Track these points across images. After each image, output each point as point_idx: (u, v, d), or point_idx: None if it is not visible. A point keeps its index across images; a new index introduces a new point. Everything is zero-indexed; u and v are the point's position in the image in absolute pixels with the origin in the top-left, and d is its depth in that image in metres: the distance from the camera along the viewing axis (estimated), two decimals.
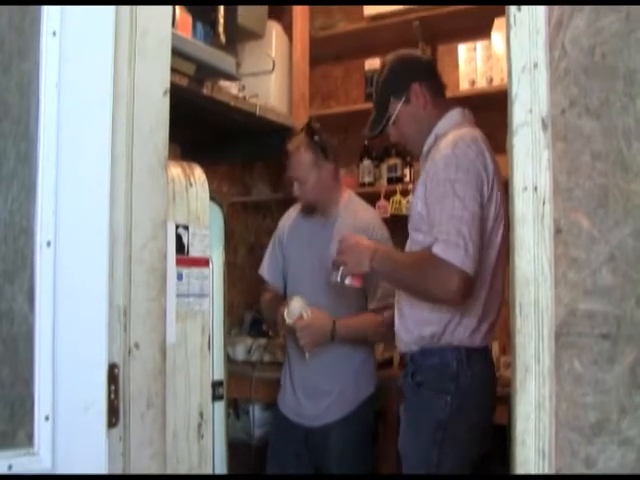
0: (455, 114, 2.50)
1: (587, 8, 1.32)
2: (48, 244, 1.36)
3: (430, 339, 2.34)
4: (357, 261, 2.41)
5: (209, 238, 2.05)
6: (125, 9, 1.53)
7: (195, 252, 2.00)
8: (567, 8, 1.34)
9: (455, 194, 2.20)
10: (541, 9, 1.36)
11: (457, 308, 2.30)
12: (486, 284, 2.34)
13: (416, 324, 2.37)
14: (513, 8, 1.40)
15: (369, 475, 2.97)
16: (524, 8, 1.38)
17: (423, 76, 2.54)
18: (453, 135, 2.33)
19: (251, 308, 4.30)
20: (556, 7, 1.35)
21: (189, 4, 2.73)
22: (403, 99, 2.50)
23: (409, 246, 2.44)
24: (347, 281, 2.47)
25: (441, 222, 2.20)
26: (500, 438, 2.29)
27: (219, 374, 2.17)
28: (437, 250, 2.16)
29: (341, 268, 2.46)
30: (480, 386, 2.35)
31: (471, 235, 2.16)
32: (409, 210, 3.69)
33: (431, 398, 2.32)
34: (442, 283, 2.17)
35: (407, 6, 3.86)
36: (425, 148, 2.48)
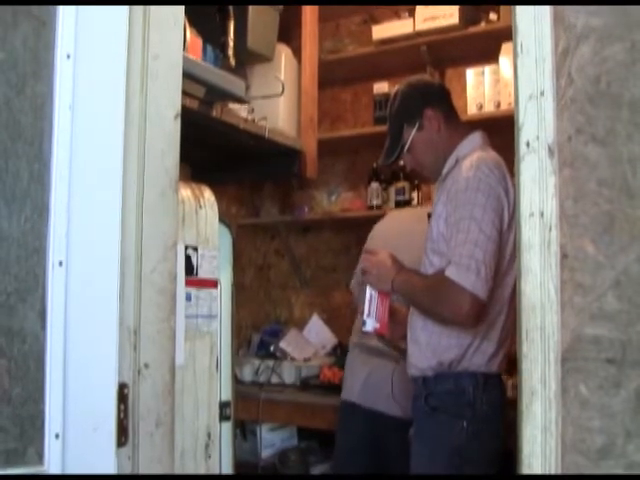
0: (477, 137, 2.50)
1: (592, 37, 1.34)
2: (60, 264, 1.38)
3: (449, 366, 2.33)
4: (380, 278, 2.44)
5: (218, 259, 2.06)
6: (138, 33, 1.56)
7: (204, 273, 2.01)
8: (573, 37, 1.35)
9: (472, 217, 2.20)
10: (547, 38, 1.37)
11: (477, 333, 2.30)
12: (504, 310, 2.34)
13: (434, 351, 2.35)
14: (520, 36, 1.41)
15: (370, 475, 2.93)
16: (530, 37, 1.39)
17: (435, 101, 2.55)
18: (477, 158, 2.34)
19: (259, 329, 4.30)
20: (562, 36, 1.37)
21: (200, 4, 2.72)
22: (416, 126, 2.51)
23: (423, 269, 2.44)
24: (370, 327, 2.50)
25: (456, 245, 2.20)
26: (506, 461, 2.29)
27: (227, 395, 2.18)
28: (449, 273, 2.18)
29: (367, 317, 2.48)
30: (496, 412, 2.34)
31: (485, 259, 2.16)
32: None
33: (447, 423, 2.31)
34: (453, 306, 2.18)
35: (415, 30, 3.89)
36: (445, 170, 2.47)
